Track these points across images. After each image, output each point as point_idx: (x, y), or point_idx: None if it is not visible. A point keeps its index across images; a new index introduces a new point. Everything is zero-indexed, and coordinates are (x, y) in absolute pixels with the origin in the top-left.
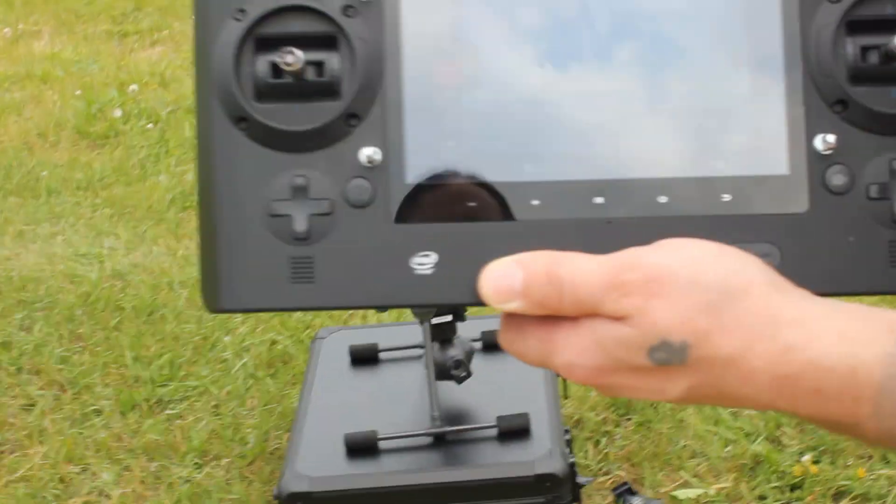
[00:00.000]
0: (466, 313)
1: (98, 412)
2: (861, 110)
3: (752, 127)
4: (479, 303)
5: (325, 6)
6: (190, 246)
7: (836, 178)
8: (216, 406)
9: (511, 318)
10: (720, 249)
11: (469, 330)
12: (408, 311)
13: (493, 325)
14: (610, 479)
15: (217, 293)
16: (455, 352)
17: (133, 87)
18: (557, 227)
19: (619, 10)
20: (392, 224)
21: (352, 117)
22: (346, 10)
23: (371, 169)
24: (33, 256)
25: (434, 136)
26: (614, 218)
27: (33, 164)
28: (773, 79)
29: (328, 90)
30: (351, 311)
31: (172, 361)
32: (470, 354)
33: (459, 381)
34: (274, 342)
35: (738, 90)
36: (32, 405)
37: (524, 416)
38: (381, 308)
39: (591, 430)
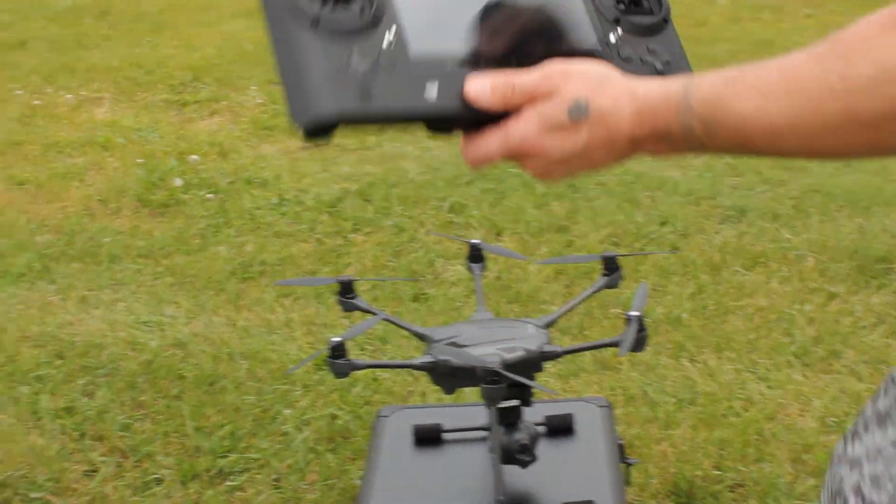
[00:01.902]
0: (532, 398)
1: (159, 481)
2: (627, 24)
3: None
4: (469, 111)
5: None
6: (249, 318)
7: (623, 50)
8: (277, 479)
9: (469, 134)
10: (596, 63)
11: (533, 415)
12: (468, 392)
13: (558, 409)
14: None
15: (308, 104)
16: (520, 436)
17: (194, 157)
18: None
19: None
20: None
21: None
22: None
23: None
24: (95, 322)
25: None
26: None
27: (95, 230)
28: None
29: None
30: (410, 389)
31: (233, 433)
32: (535, 439)
33: (524, 465)
34: (334, 416)
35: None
36: (95, 471)
37: (590, 503)
38: (404, 122)
39: None
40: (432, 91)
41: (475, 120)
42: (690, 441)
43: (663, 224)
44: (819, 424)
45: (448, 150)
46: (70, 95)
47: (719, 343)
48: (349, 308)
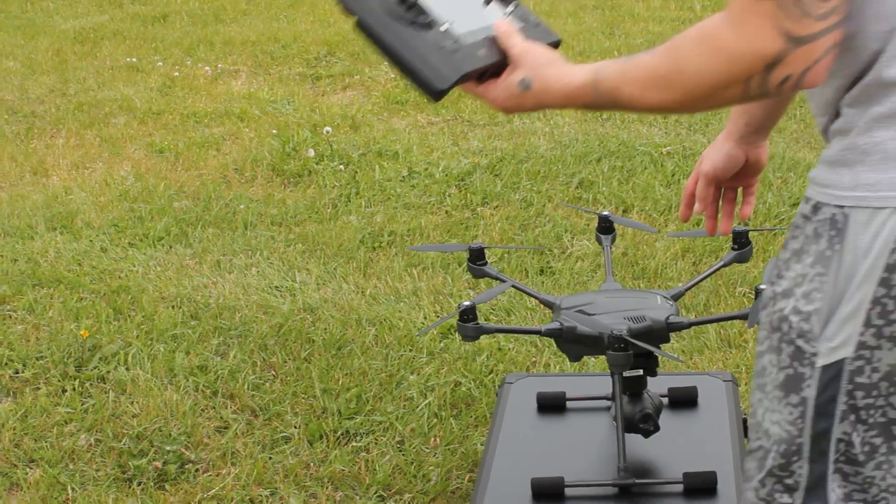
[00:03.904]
0: (657, 369)
1: (287, 439)
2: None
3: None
4: (502, 59)
5: None
6: (378, 285)
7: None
8: (400, 442)
9: (484, 84)
10: (548, 48)
11: (658, 387)
12: (592, 364)
13: (681, 381)
14: None
15: (438, 75)
16: (644, 405)
17: (327, 128)
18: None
19: None
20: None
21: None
22: None
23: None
24: (229, 286)
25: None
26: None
27: (231, 197)
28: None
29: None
30: (534, 359)
31: (359, 396)
32: (658, 409)
33: (647, 434)
34: (458, 383)
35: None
36: (226, 427)
37: (711, 473)
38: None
39: None
40: (483, 52)
41: (499, 66)
42: None
43: (794, 205)
44: None
45: (577, 127)
46: (208, 68)
47: None
48: (478, 275)
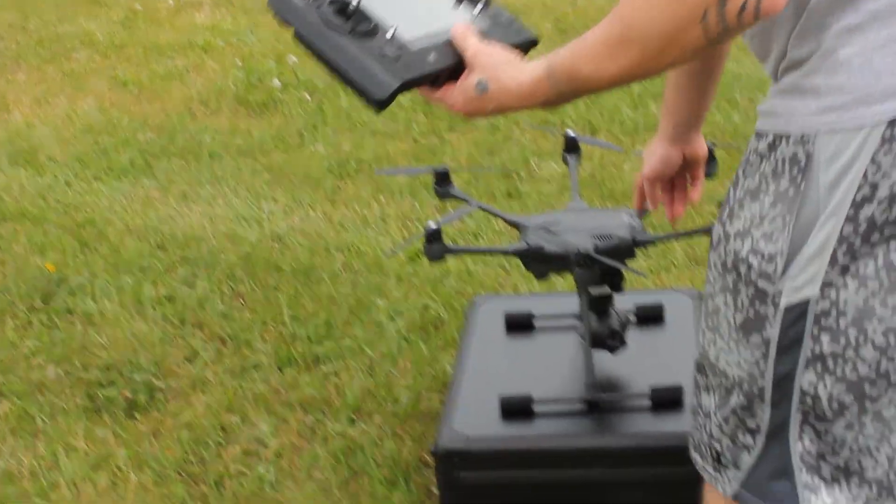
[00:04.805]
0: (624, 286)
1: (257, 366)
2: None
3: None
4: (456, 62)
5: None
6: (345, 213)
7: (481, 23)
8: (370, 366)
9: (438, 89)
10: (503, 49)
11: (624, 304)
12: (559, 283)
13: (647, 299)
14: None
15: (379, 84)
16: (611, 322)
17: (292, 57)
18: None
19: None
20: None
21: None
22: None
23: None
24: (196, 216)
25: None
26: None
27: (196, 129)
28: None
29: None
30: (501, 281)
31: (328, 321)
32: (625, 326)
33: (614, 350)
34: (426, 307)
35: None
36: (195, 356)
37: (678, 388)
38: (428, 82)
39: None
40: (432, 57)
41: (455, 70)
42: None
43: None
44: None
45: (542, 48)
46: (171, 0)
47: None
48: (445, 196)
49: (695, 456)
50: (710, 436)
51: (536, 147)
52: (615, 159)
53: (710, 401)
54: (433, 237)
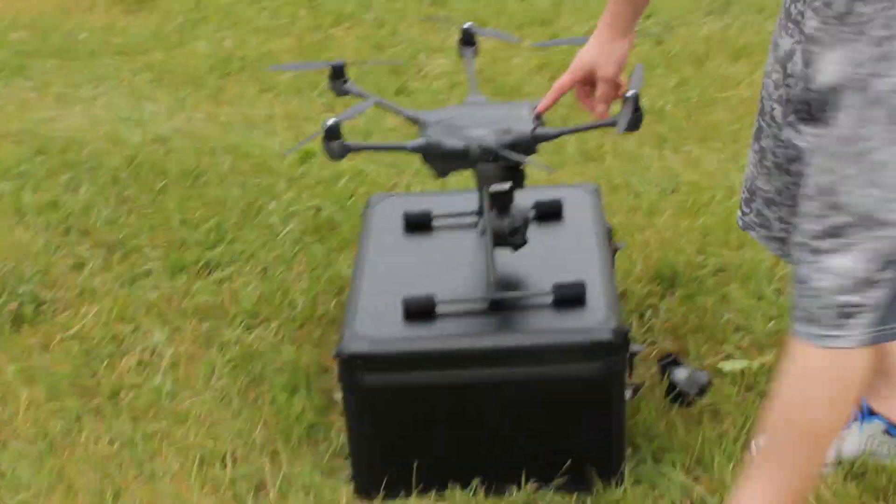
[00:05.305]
0: (524, 182)
1: (147, 273)
2: None
3: None
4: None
5: None
6: (230, 113)
7: None
8: (264, 270)
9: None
10: None
11: (522, 200)
12: (453, 180)
13: (547, 195)
14: (655, 350)
15: None
16: (513, 219)
17: None
18: None
19: None
20: None
21: None
22: None
23: None
24: (76, 118)
25: None
26: None
27: (70, 26)
28: None
29: None
30: (394, 181)
31: (219, 225)
32: (526, 222)
33: (516, 247)
34: (319, 209)
35: None
36: (82, 265)
37: (580, 284)
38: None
39: (636, 302)
40: None
41: None
42: (673, 228)
43: (647, 17)
44: None
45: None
46: None
47: (703, 134)
48: (341, 92)
49: (807, 328)
50: (841, 292)
51: (424, 42)
52: (504, 54)
53: (846, 259)
54: (332, 134)
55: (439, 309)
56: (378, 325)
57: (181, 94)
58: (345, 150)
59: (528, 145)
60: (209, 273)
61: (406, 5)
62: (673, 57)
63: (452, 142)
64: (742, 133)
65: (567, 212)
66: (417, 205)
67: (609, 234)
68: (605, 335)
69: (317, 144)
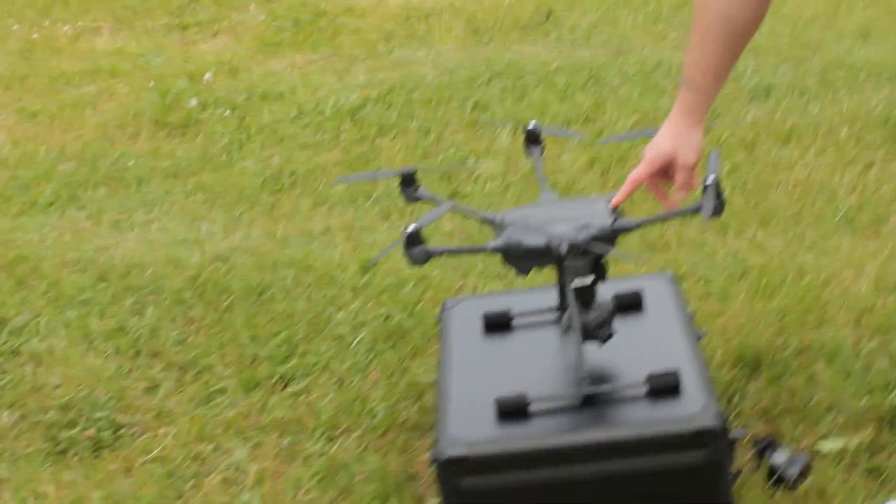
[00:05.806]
0: (607, 274)
1: (222, 391)
2: None
3: None
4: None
5: None
6: (287, 227)
7: None
8: (339, 381)
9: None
10: None
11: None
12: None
13: (625, 287)
14: (748, 435)
15: None
16: (598, 312)
17: (208, 75)
18: None
19: None
20: None
21: None
22: None
23: None
24: (133, 243)
25: None
26: None
27: (116, 154)
28: None
29: None
30: (460, 284)
31: (289, 339)
32: (612, 316)
33: (603, 341)
34: (388, 316)
35: None
36: (156, 387)
37: (674, 373)
38: None
39: (722, 388)
40: None
41: None
42: (748, 313)
43: None
44: (874, 287)
45: (461, 52)
46: (67, 27)
47: (764, 218)
48: (413, 199)
49: None
50: None
51: (470, 147)
52: (553, 151)
53: None
54: (413, 240)
55: (532, 407)
56: (472, 427)
57: (236, 213)
58: (427, 256)
59: (609, 238)
60: (284, 387)
61: (448, 112)
62: (723, 144)
63: (534, 240)
64: (802, 214)
65: (647, 302)
66: (495, 305)
67: (692, 321)
68: (708, 422)
69: (366, 253)
